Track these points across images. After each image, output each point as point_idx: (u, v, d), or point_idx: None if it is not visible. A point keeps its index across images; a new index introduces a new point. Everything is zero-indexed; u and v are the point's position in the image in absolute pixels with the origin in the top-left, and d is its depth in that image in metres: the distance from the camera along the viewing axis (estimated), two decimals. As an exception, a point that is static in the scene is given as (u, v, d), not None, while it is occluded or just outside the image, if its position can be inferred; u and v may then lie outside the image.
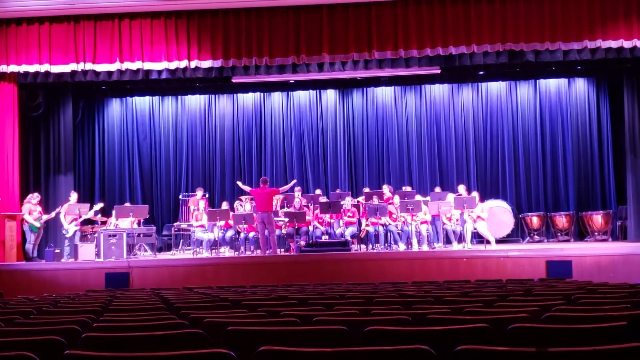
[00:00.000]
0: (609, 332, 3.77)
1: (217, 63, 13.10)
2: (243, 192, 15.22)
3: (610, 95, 15.66)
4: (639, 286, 7.09)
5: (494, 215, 14.21)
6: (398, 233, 13.24)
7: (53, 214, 13.37)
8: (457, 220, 13.22)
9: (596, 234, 14.27)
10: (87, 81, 13.71)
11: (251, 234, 13.42)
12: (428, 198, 13.81)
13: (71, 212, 13.22)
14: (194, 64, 13.09)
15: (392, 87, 16.52)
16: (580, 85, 16.03)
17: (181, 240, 15.01)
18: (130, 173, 16.70)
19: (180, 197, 16.11)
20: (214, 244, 13.49)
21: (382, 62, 13.18)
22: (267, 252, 12.76)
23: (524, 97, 16.20)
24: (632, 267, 11.44)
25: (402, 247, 13.05)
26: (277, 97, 16.83)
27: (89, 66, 13.14)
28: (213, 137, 16.84)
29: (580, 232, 14.99)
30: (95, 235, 13.21)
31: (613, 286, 7.34)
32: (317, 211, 13.56)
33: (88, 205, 13.74)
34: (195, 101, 16.98)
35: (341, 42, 12.95)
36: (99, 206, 13.79)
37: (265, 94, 16.81)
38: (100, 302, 6.65)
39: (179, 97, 16.92)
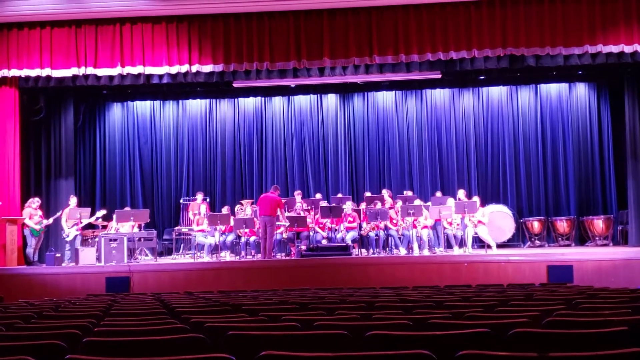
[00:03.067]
0: (610, 337, 3.76)
1: (218, 67, 13.11)
2: (244, 196, 15.38)
3: (611, 100, 15.67)
4: (640, 291, 7.08)
5: (495, 220, 14.18)
6: (399, 237, 13.24)
7: (51, 220, 13.36)
8: (457, 225, 13.20)
9: (597, 238, 14.26)
10: (88, 85, 13.73)
11: (252, 239, 13.41)
12: (429, 203, 13.80)
13: (72, 216, 13.21)
14: (195, 68, 13.10)
15: (393, 92, 16.54)
16: (581, 89, 16.04)
17: (182, 245, 15.01)
18: (131, 177, 16.71)
19: (181, 201, 16.11)
20: (215, 249, 13.48)
21: (382, 66, 13.20)
22: (256, 256, 12.73)
23: (524, 102, 16.21)
24: (633, 272, 11.43)
25: (402, 251, 13.05)
26: (278, 101, 16.84)
27: (90, 70, 13.17)
28: (214, 141, 16.85)
29: (581, 237, 14.98)
30: (96, 239, 13.21)
31: (614, 291, 7.34)
32: (318, 216, 13.56)
33: (89, 209, 13.74)
34: (196, 105, 16.99)
35: (342, 46, 12.97)
36: (101, 213, 13.77)
37: (266, 98, 16.82)
38: (101, 306, 6.64)
39: (180, 101, 16.94)
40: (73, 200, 13.64)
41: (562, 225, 14.73)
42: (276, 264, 12.49)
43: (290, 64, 13.03)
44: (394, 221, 13.36)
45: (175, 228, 15.18)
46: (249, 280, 11.58)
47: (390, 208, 13.65)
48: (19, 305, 7.35)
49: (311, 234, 13.41)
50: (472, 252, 12.84)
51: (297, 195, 14.48)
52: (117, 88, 14.74)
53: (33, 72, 13.23)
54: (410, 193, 14.83)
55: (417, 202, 13.66)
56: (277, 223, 13.18)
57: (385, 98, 16.64)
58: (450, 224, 13.25)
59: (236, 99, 16.87)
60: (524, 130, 16.07)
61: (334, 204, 13.89)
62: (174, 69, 13.11)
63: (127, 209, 14.85)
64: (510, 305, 5.68)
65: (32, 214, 13.12)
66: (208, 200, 15.38)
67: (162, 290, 10.38)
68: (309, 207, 13.94)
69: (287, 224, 13.21)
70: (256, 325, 4.66)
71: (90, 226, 14.24)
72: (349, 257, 12.44)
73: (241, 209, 14.41)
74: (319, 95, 16.74)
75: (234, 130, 16.83)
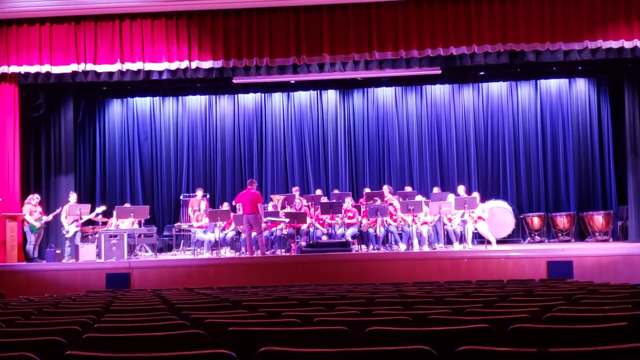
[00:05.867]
0: (610, 333, 3.77)
1: (218, 63, 13.10)
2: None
3: (611, 96, 15.66)
4: (640, 286, 7.08)
5: (495, 216, 14.20)
6: (399, 233, 13.24)
7: (51, 217, 13.36)
8: (459, 222, 13.20)
9: (597, 234, 14.27)
10: (88, 82, 13.70)
11: (252, 234, 13.39)
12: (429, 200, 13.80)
13: (72, 212, 13.22)
14: (194, 64, 13.09)
15: (393, 88, 16.53)
16: (581, 85, 16.03)
17: (182, 241, 15.01)
18: (131, 173, 16.71)
19: (181, 197, 16.12)
20: (215, 245, 13.49)
21: (382, 62, 13.18)
22: (256, 253, 12.71)
23: (524, 98, 16.21)
24: (633, 267, 11.43)
25: (402, 247, 13.04)
26: (277, 97, 16.84)
27: (89, 67, 13.15)
28: (214, 137, 16.85)
29: (581, 233, 14.99)
30: (96, 235, 13.21)
31: (614, 287, 7.34)
32: (318, 212, 13.56)
33: (89, 205, 13.75)
34: (196, 102, 16.99)
35: (342, 42, 12.96)
36: (101, 209, 13.78)
37: (265, 94, 16.82)
38: (101, 302, 6.65)
39: (180, 97, 16.93)
40: (73, 197, 13.64)
41: (562, 220, 14.73)
42: (276, 260, 12.50)
43: (290, 59, 13.02)
44: (394, 217, 13.36)
45: (175, 224, 15.20)
46: (249, 276, 11.58)
47: (390, 204, 13.64)
48: (19, 302, 7.36)
49: (311, 230, 13.41)
50: (472, 248, 12.84)
51: (296, 192, 14.48)
52: (116, 84, 14.75)
53: (32, 69, 13.22)
54: (409, 189, 14.83)
55: (418, 197, 13.66)
56: (277, 219, 13.18)
57: (385, 94, 16.63)
58: (450, 220, 13.25)
59: (236, 95, 16.87)
60: (524, 126, 16.07)
61: (334, 200, 13.89)
62: (173, 65, 13.09)
63: (127, 205, 14.84)
64: (510, 301, 5.68)
65: (32, 211, 13.13)
66: (208, 196, 15.38)
67: (162, 287, 10.38)
68: (309, 204, 13.94)
69: (269, 221, 13.16)
70: (256, 321, 4.66)
71: (90, 222, 14.26)
72: (348, 253, 12.45)
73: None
74: (318, 91, 16.74)
75: (233, 126, 16.83)
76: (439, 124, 16.34)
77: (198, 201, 14.48)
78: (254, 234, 12.74)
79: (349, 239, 13.08)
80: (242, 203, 12.84)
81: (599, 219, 14.35)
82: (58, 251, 12.89)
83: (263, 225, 12.96)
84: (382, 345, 3.34)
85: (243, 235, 13.52)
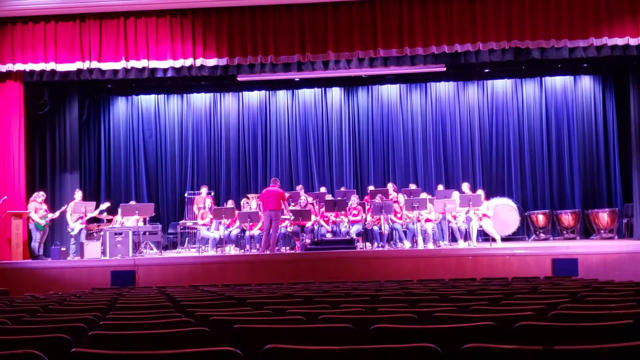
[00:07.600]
0: (615, 330, 3.76)
1: (223, 61, 13.10)
2: (248, 190, 15.44)
3: (616, 93, 15.63)
4: (646, 284, 7.06)
5: (500, 213, 14.16)
6: (404, 231, 13.24)
7: (57, 214, 13.40)
8: (463, 219, 13.19)
9: (602, 231, 14.23)
10: (92, 79, 13.74)
11: (256, 232, 13.41)
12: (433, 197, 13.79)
13: (77, 210, 13.25)
14: (199, 62, 13.09)
15: (398, 85, 16.52)
16: (586, 82, 15.98)
17: (187, 238, 15.04)
18: (136, 171, 16.73)
19: (186, 195, 16.13)
20: (220, 242, 13.50)
21: (387, 60, 13.17)
22: (266, 251, 12.74)
23: (529, 95, 16.18)
24: (638, 265, 11.40)
25: (407, 245, 13.04)
26: (282, 95, 16.84)
27: (94, 64, 13.16)
28: (218, 135, 16.86)
29: (586, 230, 14.96)
30: (101, 233, 13.25)
31: (619, 284, 7.33)
32: (323, 209, 13.56)
33: (94, 203, 13.78)
34: (200, 99, 17.00)
35: (346, 40, 12.94)
36: (105, 205, 13.82)
37: (270, 92, 16.82)
38: (106, 300, 6.66)
39: (185, 95, 16.95)
40: (78, 194, 13.67)
41: (567, 218, 14.70)
42: (281, 257, 12.51)
43: (295, 57, 13.01)
44: (398, 215, 13.36)
45: (180, 222, 15.21)
46: (254, 273, 11.59)
47: (395, 202, 13.64)
48: (24, 299, 7.38)
49: (315, 227, 13.41)
50: (477, 245, 12.84)
51: (300, 190, 14.48)
52: (121, 82, 14.78)
53: (37, 67, 13.24)
54: (414, 186, 14.82)
55: (423, 195, 13.65)
56: (282, 216, 13.19)
57: (390, 91, 16.61)
58: (455, 217, 13.23)
59: (240, 93, 16.88)
60: (529, 123, 16.04)
61: (338, 198, 13.88)
62: (178, 63, 13.10)
63: (132, 202, 14.85)
64: (515, 298, 5.68)
65: (37, 208, 13.16)
66: (212, 194, 15.39)
67: (167, 284, 10.38)
68: (314, 201, 13.94)
69: (292, 217, 13.20)
70: (261, 319, 4.66)
71: (95, 220, 14.28)
72: (353, 251, 12.46)
73: (247, 202, 14.42)
74: (323, 88, 16.74)
75: (238, 124, 16.85)
76: (443, 122, 16.33)
77: (203, 199, 14.50)
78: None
79: (354, 236, 13.07)
80: (265, 200, 12.85)
81: (604, 216, 14.31)
82: (63, 249, 12.93)
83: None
84: (387, 343, 3.34)
85: (247, 233, 13.54)
